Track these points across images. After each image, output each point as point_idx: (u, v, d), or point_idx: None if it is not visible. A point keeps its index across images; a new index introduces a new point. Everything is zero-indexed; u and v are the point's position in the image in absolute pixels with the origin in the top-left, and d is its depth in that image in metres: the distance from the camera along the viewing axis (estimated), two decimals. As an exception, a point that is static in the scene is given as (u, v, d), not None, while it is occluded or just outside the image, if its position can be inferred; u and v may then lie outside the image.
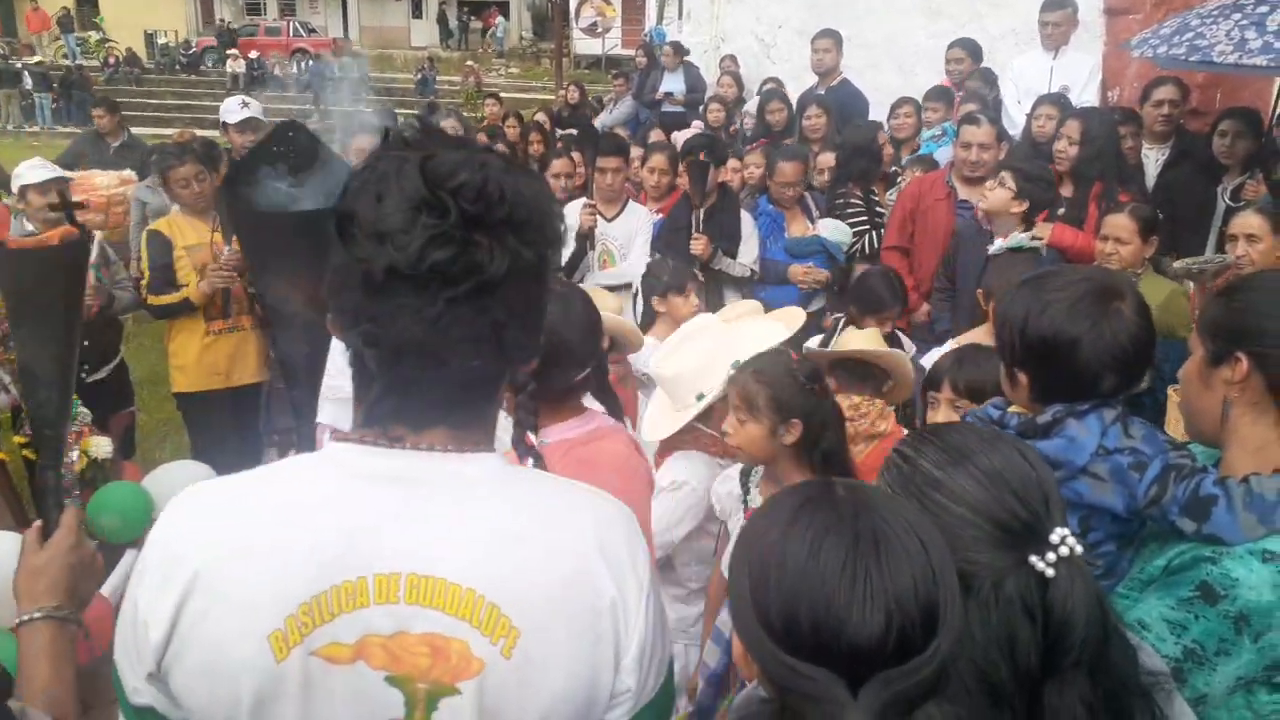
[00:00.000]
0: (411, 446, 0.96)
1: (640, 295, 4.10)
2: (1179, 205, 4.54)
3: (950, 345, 2.88)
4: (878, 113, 6.29)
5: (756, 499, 2.26)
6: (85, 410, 2.75)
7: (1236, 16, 3.91)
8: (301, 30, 29.49)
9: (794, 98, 6.70)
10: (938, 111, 5.75)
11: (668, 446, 2.58)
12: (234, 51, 25.96)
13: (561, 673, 0.95)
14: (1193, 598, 1.35)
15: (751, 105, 7.45)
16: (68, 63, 24.83)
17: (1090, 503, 1.53)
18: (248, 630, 0.90)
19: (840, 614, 0.89)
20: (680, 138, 6.82)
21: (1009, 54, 5.97)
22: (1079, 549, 1.09)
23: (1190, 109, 5.19)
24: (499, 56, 30.87)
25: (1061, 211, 4.14)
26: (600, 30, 23.25)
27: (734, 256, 4.59)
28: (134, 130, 8.28)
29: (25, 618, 1.25)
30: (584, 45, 24.79)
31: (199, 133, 6.54)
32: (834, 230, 4.73)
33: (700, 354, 2.47)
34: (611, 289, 4.12)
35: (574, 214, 4.71)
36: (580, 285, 3.34)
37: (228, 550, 0.92)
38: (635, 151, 5.66)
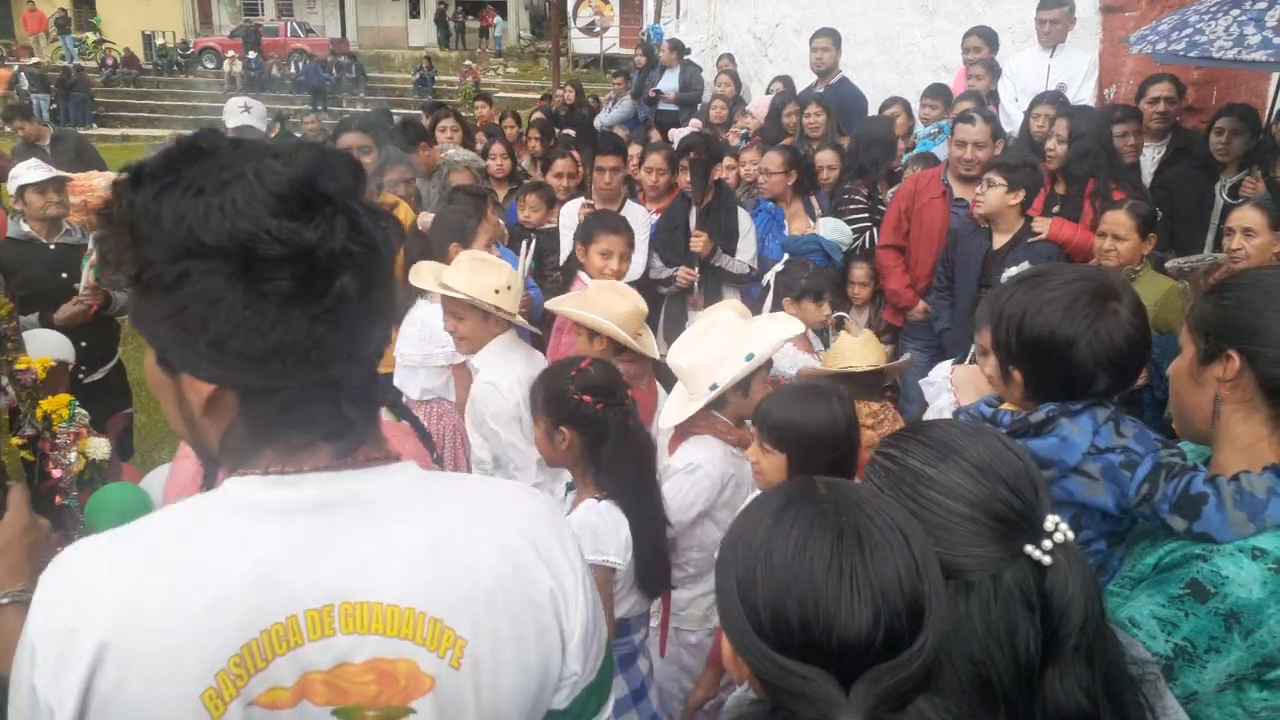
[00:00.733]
0: (311, 470, 0.92)
1: (771, 291, 4.35)
2: (1177, 202, 4.54)
3: (950, 366, 2.85)
4: (874, 112, 6.30)
5: None
6: (83, 411, 2.75)
7: (1235, 13, 3.92)
8: (299, 30, 29.46)
9: (792, 97, 6.71)
10: (935, 108, 5.75)
11: (683, 432, 2.65)
12: (233, 53, 25.98)
13: (513, 670, 0.96)
14: (1183, 595, 1.35)
15: (754, 105, 7.46)
16: (65, 64, 24.82)
17: (1081, 501, 1.53)
18: (176, 694, 0.84)
19: (828, 609, 0.89)
20: (676, 136, 6.83)
21: (1006, 52, 5.96)
22: (1071, 535, 1.10)
23: (1186, 106, 5.19)
24: (497, 56, 30.86)
25: (1056, 209, 4.15)
26: (598, 29, 23.26)
27: (731, 253, 4.59)
28: (131, 131, 8.30)
29: None
30: (582, 44, 24.80)
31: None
32: (833, 229, 4.73)
33: (715, 346, 2.56)
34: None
35: (572, 214, 4.72)
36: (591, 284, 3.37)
37: (135, 613, 0.85)
38: (634, 150, 5.67)
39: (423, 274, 3.19)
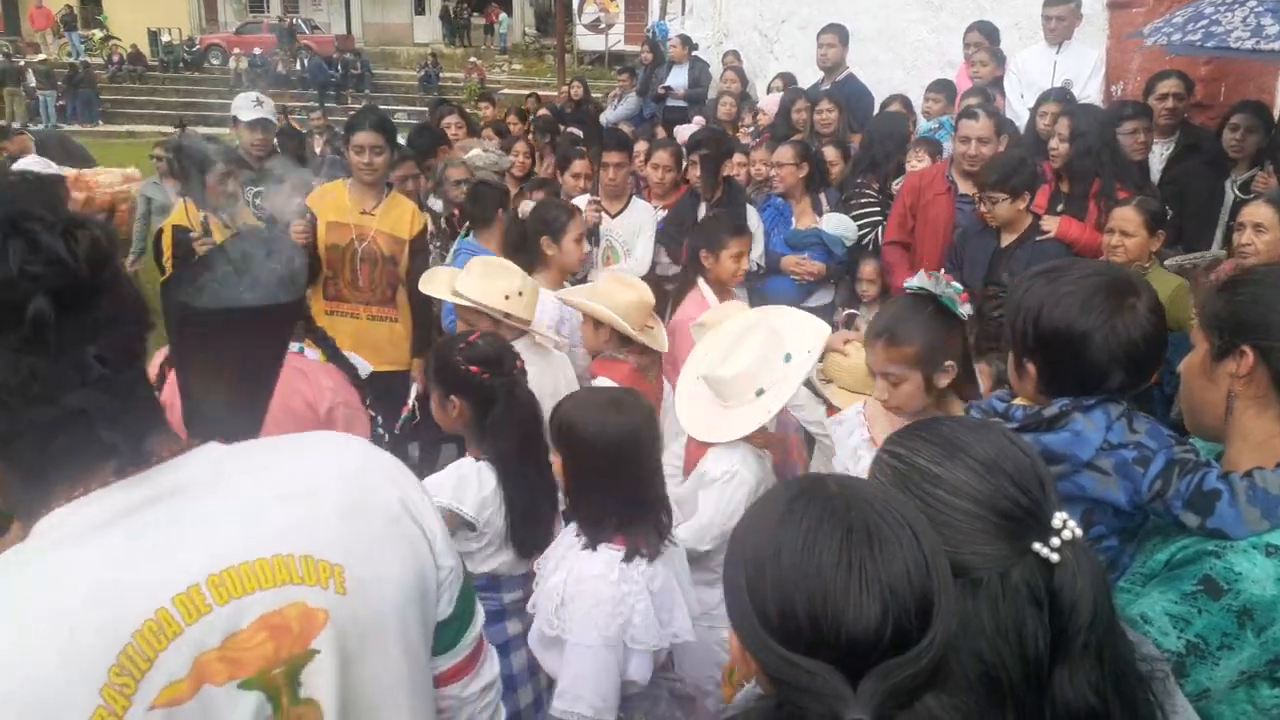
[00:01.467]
0: (101, 486, 0.90)
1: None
2: (1186, 199, 4.51)
3: (863, 403, 2.48)
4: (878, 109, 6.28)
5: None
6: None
7: (1252, 3, 3.93)
8: (304, 27, 29.50)
9: (797, 94, 6.68)
10: (938, 103, 5.72)
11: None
12: (238, 50, 26.04)
13: (393, 580, 1.03)
14: (1196, 592, 1.34)
15: (764, 102, 7.43)
16: (72, 60, 24.90)
17: (1093, 497, 1.52)
18: None
19: (837, 605, 0.89)
20: (682, 132, 6.81)
21: (1012, 48, 5.93)
22: (1079, 531, 1.09)
23: (1194, 102, 5.16)
24: (502, 53, 30.89)
25: (1061, 209, 4.12)
26: (603, 26, 23.23)
27: (738, 251, 4.56)
28: (137, 128, 8.36)
29: None
30: (587, 41, 24.82)
31: (203, 130, 6.55)
32: (837, 225, 4.70)
33: (754, 352, 2.53)
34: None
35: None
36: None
37: None
38: (640, 146, 5.65)
39: (436, 281, 3.19)
